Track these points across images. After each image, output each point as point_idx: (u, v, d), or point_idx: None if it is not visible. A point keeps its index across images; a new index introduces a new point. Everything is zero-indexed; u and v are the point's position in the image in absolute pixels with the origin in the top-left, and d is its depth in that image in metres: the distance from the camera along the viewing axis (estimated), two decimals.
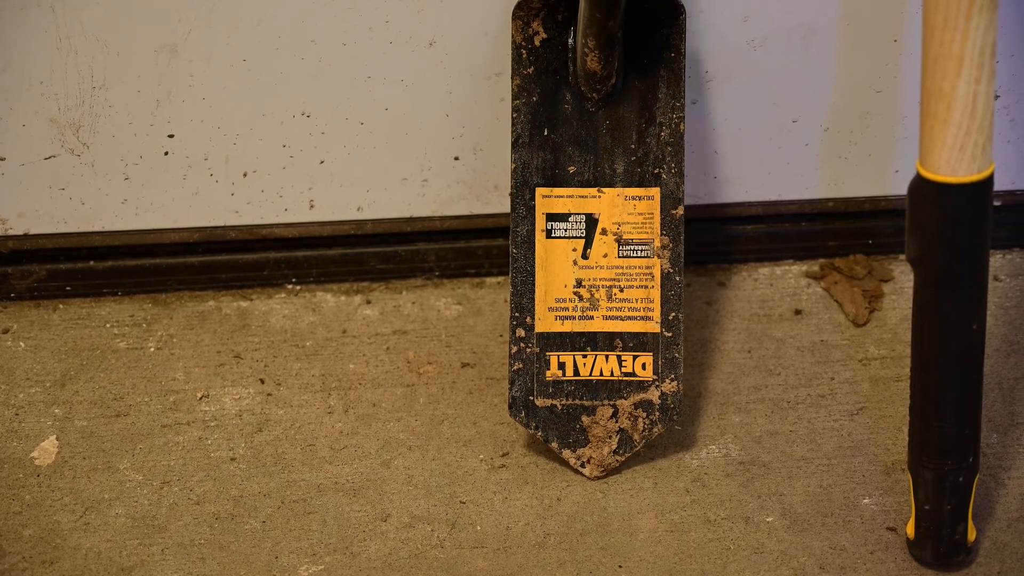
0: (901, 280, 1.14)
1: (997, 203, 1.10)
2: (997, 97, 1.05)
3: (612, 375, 1.02)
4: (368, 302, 1.16)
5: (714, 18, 1.07)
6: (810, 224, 1.19)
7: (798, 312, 1.15)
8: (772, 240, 1.20)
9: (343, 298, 1.17)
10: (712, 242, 1.20)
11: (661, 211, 1.02)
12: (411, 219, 1.15)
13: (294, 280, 1.16)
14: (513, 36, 1.03)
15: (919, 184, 0.87)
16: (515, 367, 1.01)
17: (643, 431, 1.00)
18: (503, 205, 1.09)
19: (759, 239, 1.19)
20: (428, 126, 1.11)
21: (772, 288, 1.18)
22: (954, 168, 0.85)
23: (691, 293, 1.16)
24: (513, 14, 1.02)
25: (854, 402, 1.08)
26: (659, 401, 1.00)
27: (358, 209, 1.14)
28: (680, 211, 1.02)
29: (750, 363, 1.11)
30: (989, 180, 0.87)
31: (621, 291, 1.02)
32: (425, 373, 1.09)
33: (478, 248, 1.16)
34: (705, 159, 1.15)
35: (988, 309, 0.94)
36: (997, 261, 1.18)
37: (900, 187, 1.10)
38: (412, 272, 1.18)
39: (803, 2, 1.07)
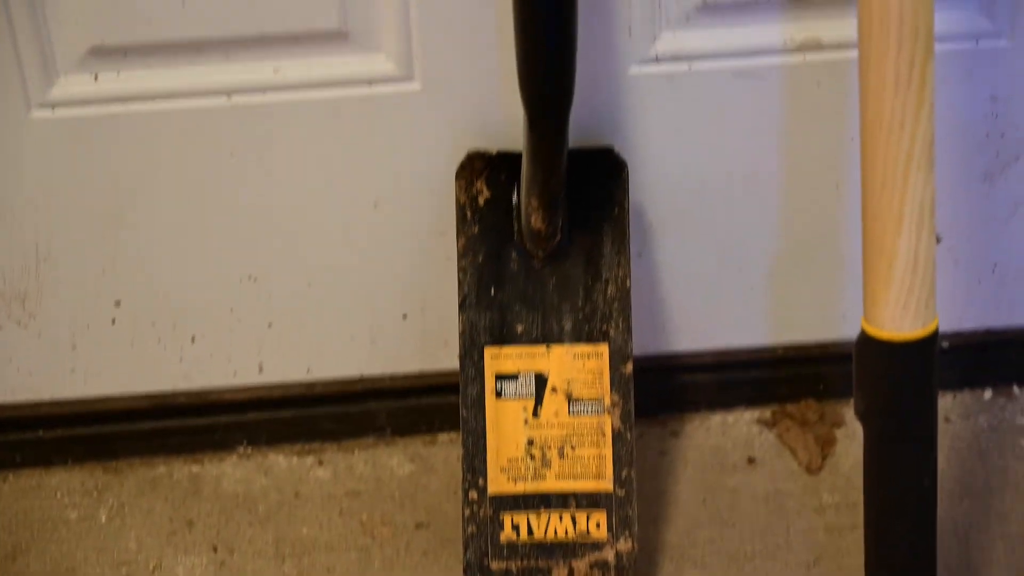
0: (853, 425, 1.13)
1: (945, 344, 1.09)
2: (939, 240, 1.04)
3: (567, 535, 1.01)
4: (320, 463, 1.14)
5: (655, 170, 1.08)
6: (760, 371, 1.19)
7: (751, 460, 1.14)
8: (723, 388, 1.19)
9: (295, 459, 1.15)
10: (663, 392, 1.19)
11: (610, 368, 1.01)
12: (361, 378, 1.14)
13: (245, 443, 1.15)
14: (457, 196, 1.03)
15: (864, 340, 0.87)
16: (469, 530, 1.00)
17: None
18: (453, 362, 1.07)
19: (710, 387, 1.19)
20: (375, 285, 1.11)
21: (725, 436, 1.17)
22: (898, 325, 0.85)
23: (644, 443, 1.15)
24: (457, 174, 1.03)
25: (810, 552, 1.07)
26: (615, 561, 0.99)
27: (308, 370, 1.14)
28: (629, 367, 1.01)
29: (705, 514, 1.10)
30: (934, 335, 0.86)
31: (573, 449, 1.01)
32: (379, 536, 1.08)
33: (430, 405, 1.15)
34: (653, 309, 1.14)
35: (940, 451, 0.92)
36: (947, 402, 1.17)
37: (848, 331, 1.07)
38: (364, 431, 1.17)
39: (743, 150, 1.08)
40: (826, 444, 1.15)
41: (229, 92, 1.01)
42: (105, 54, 1.01)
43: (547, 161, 0.97)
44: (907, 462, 0.89)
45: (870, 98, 0.85)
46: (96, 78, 1.01)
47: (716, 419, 1.19)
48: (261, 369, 1.12)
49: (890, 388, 0.88)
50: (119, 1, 0.99)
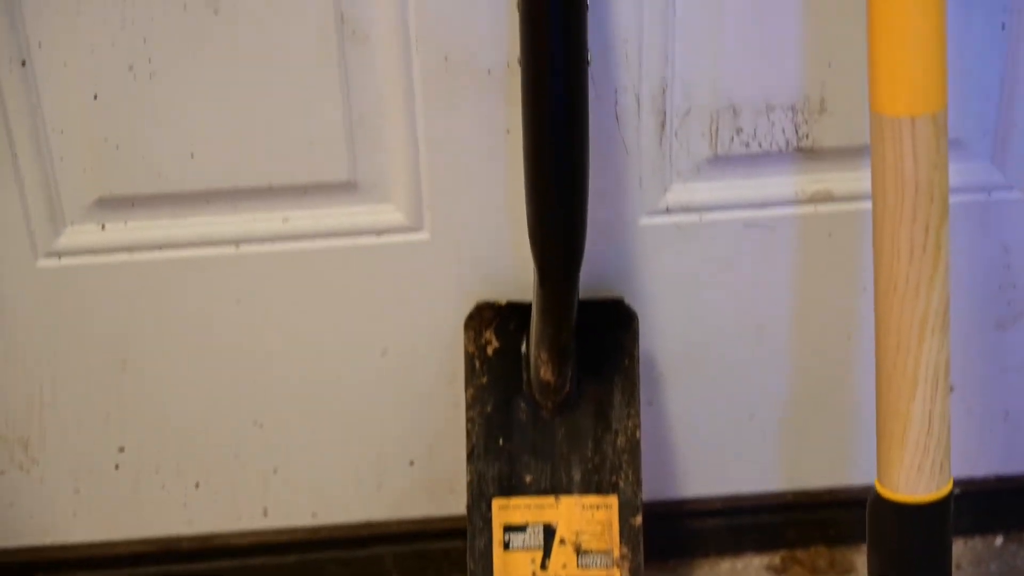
0: (862, 572, 1.12)
1: (957, 491, 1.09)
2: (952, 389, 1.04)
3: None
4: None
5: (666, 319, 1.08)
6: (770, 516, 1.18)
7: None
8: (733, 533, 1.18)
9: None
10: (673, 537, 1.18)
11: (619, 520, 1.01)
12: (368, 523, 1.13)
13: None
14: (466, 346, 1.03)
15: (877, 502, 0.87)
16: None
17: None
18: (460, 507, 1.06)
19: (720, 532, 1.18)
20: (382, 430, 1.11)
21: None
22: (913, 488, 0.84)
23: None
24: (465, 324, 1.03)
25: None
26: None
27: (313, 515, 1.13)
28: (639, 520, 1.00)
29: None
30: (948, 497, 0.86)
31: None
32: None
33: (437, 550, 1.15)
34: (663, 456, 1.14)
35: None
36: (959, 548, 1.16)
37: (858, 477, 1.10)
38: None
39: (753, 299, 1.08)
40: None
41: (237, 242, 1.02)
42: (113, 204, 1.02)
43: (557, 315, 0.97)
44: None
45: (884, 264, 0.85)
46: (103, 228, 1.02)
47: (725, 565, 1.18)
48: (266, 513, 1.12)
49: (904, 550, 0.88)
50: (128, 153, 1.00)
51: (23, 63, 0.96)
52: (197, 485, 1.08)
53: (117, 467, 1.06)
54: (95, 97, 0.98)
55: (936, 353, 0.83)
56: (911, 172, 0.85)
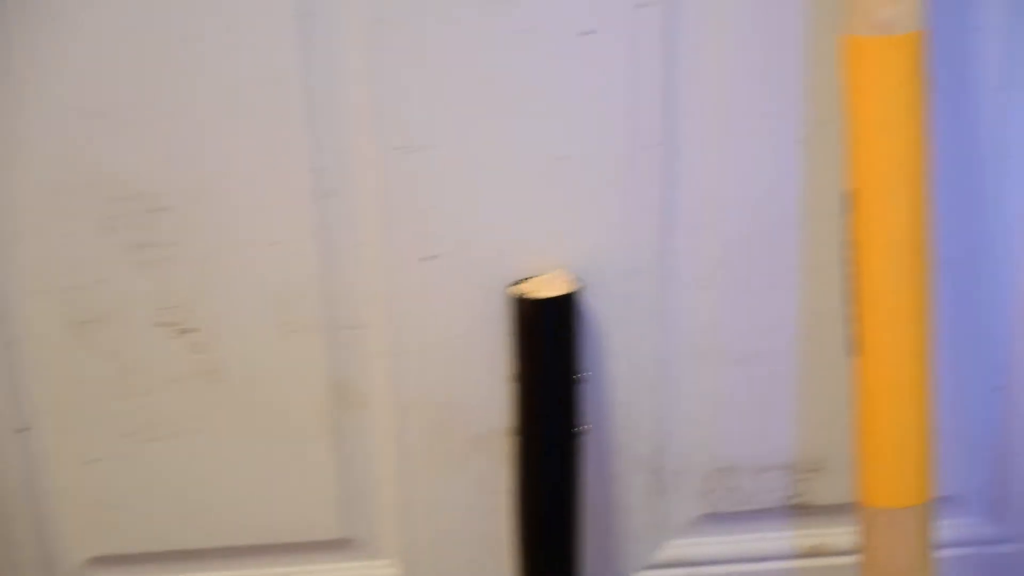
0: None
1: None
2: None
3: None
4: None
5: None
6: None
7: None
8: None
9: None
10: None
11: None
12: None
13: None
14: None
15: None
16: None
17: None
18: None
19: None
20: None
21: None
22: None
23: None
24: None
25: None
26: None
27: None
28: None
29: None
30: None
31: None
32: None
33: None
34: None
35: None
36: None
37: None
38: None
39: None
40: None
41: None
42: (105, 562, 1.03)
43: None
44: None
45: None
46: None
47: None
48: None
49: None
50: (123, 514, 1.02)
51: (24, 429, 0.97)
52: None
53: None
54: (93, 461, 0.99)
55: None
56: (897, 562, 0.88)
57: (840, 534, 1.06)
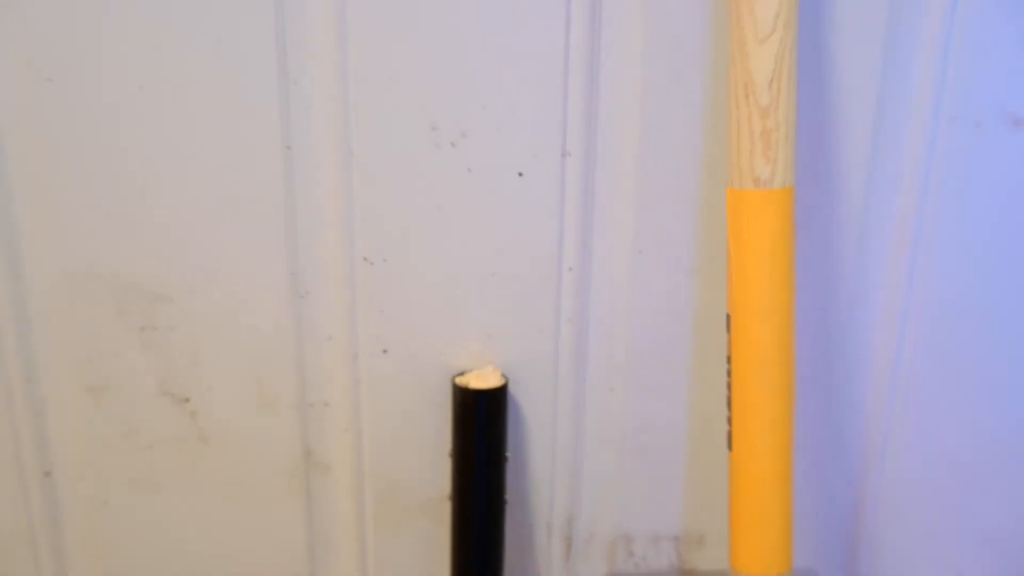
0: None
1: None
2: None
3: None
4: None
5: None
6: None
7: None
8: None
9: None
10: None
11: None
12: None
13: None
14: None
15: None
16: None
17: None
18: None
19: None
20: None
21: None
22: None
23: None
24: None
25: None
26: None
27: None
28: None
29: None
30: None
31: None
32: None
33: None
34: None
35: None
36: None
37: None
38: None
39: None
40: None
41: None
42: None
43: None
44: None
45: None
46: None
47: None
48: None
49: None
50: (125, 553, 0.98)
51: (47, 474, 0.96)
52: None
53: None
54: (103, 504, 0.96)
55: None
56: None
57: None
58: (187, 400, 0.92)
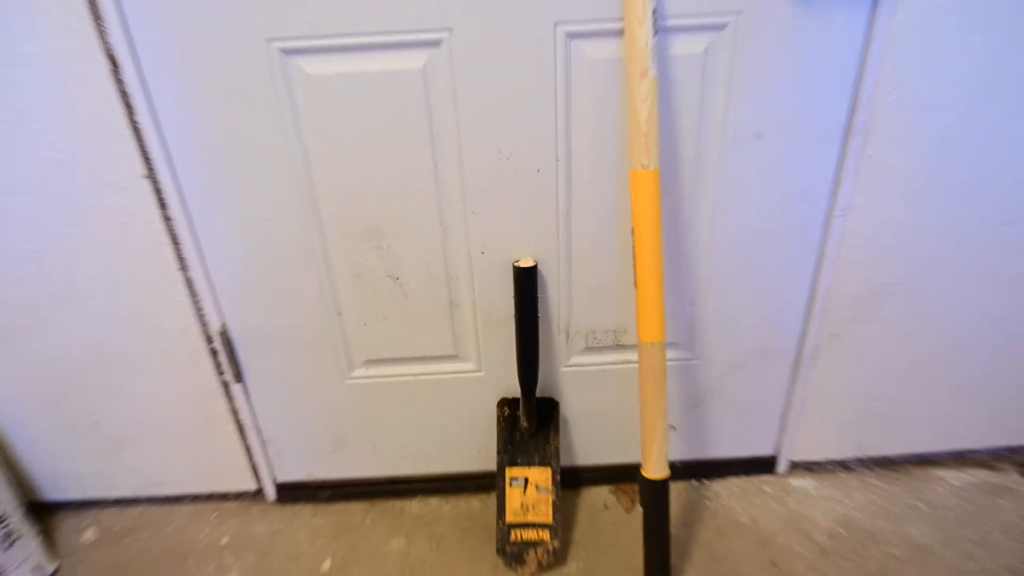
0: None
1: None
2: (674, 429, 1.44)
3: (534, 539, 1.44)
4: (447, 504, 1.47)
5: (570, 405, 1.54)
6: (613, 472, 1.62)
7: (606, 506, 1.57)
8: (597, 478, 1.62)
9: (435, 502, 1.49)
10: (572, 479, 1.61)
11: (551, 476, 1.47)
12: (466, 473, 1.54)
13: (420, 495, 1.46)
14: (497, 414, 1.51)
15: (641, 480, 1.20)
16: (497, 536, 1.43)
17: (547, 560, 1.41)
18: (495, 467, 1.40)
19: (591, 477, 1.64)
20: (467, 449, 1.52)
21: (597, 497, 1.60)
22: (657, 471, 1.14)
23: (561, 502, 1.53)
24: (497, 405, 1.50)
25: (632, 542, 1.38)
26: (552, 549, 1.43)
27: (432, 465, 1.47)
28: (558, 476, 1.46)
29: (589, 529, 1.50)
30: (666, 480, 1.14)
31: (536, 507, 1.45)
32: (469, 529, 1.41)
33: (488, 484, 1.59)
34: (571, 450, 1.60)
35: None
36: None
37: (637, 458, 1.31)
38: (462, 491, 1.58)
39: (614, 398, 1.47)
40: (633, 503, 1.59)
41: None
42: (371, 363, 1.40)
43: (528, 404, 1.45)
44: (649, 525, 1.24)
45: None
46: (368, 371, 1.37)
47: (593, 490, 1.63)
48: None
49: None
50: (373, 347, 1.39)
51: (339, 313, 1.30)
52: None
53: None
54: (363, 325, 1.33)
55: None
56: (647, 363, 1.16)
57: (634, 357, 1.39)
58: (397, 279, 1.34)
